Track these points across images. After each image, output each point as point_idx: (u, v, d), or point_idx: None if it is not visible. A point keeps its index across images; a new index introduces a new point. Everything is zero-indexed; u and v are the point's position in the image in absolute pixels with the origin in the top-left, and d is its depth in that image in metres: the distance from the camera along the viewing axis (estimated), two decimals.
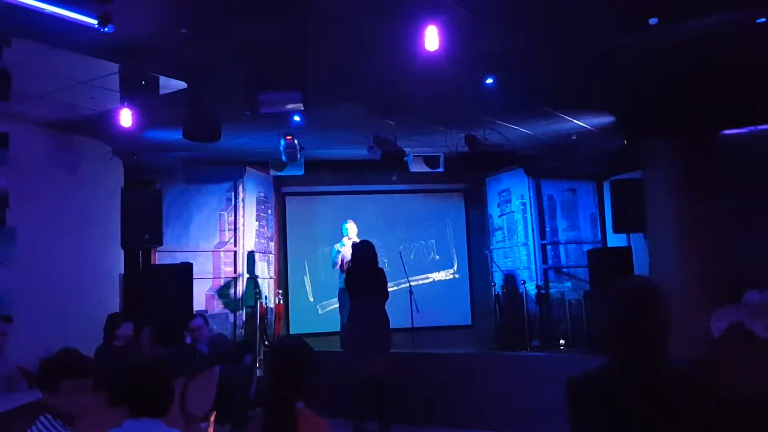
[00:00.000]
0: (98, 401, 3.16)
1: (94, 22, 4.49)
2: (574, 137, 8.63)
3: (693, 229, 7.46)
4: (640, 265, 8.46)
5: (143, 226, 8.18)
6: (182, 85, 6.43)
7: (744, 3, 4.71)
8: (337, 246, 8.98)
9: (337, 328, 9.08)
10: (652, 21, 5.03)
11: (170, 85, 6.50)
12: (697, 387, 1.94)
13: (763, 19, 4.93)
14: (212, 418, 4.70)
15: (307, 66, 6.03)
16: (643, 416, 1.94)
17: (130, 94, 6.41)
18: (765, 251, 6.67)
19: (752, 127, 7.34)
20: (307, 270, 10.76)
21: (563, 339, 9.72)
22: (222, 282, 9.72)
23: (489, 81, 6.25)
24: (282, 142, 7.81)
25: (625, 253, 8.73)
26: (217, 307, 9.63)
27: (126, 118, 6.29)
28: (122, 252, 8.28)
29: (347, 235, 8.97)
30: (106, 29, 4.47)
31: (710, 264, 7.11)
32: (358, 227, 9.12)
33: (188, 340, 6.66)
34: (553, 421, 3.55)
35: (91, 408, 3.05)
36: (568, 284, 10.18)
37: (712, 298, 5.79)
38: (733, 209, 7.09)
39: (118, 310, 7.60)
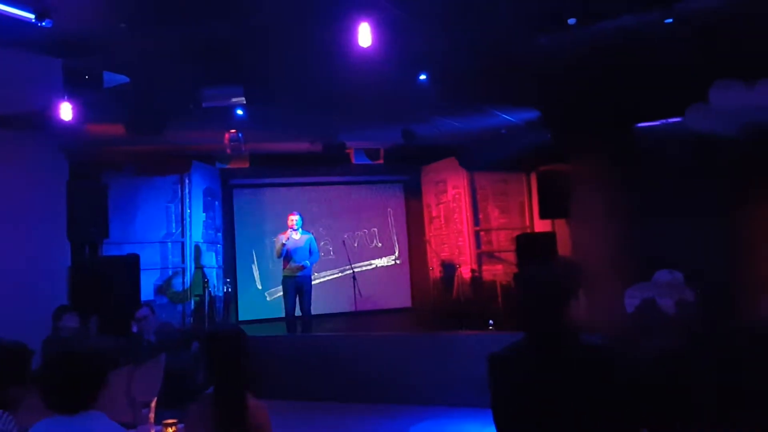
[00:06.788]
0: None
1: (31, 16, 4.32)
2: (504, 131, 8.71)
3: (612, 213, 7.61)
4: (564, 247, 8.61)
5: (89, 219, 7.91)
6: (125, 79, 6.20)
7: (653, 4, 4.80)
8: (284, 238, 8.76)
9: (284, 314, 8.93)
10: (571, 21, 5.08)
11: (114, 79, 6.28)
12: (605, 362, 1.94)
13: (671, 20, 5.04)
14: (153, 404, 4.55)
15: (248, 61, 5.89)
16: (551, 386, 1.94)
17: (73, 89, 6.17)
18: (675, 234, 6.87)
19: (663, 120, 7.54)
20: (255, 259, 10.59)
21: (492, 320, 9.84)
22: (170, 272, 9.47)
23: (422, 77, 6.25)
24: (226, 135, 7.66)
25: (549, 237, 8.88)
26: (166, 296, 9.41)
27: (66, 111, 6.04)
28: (69, 245, 7.97)
29: (289, 226, 8.78)
30: (44, 24, 4.30)
31: (627, 245, 7.27)
32: (304, 218, 8.97)
33: (135, 329, 6.46)
34: (484, 395, 3.56)
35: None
36: (499, 267, 10.30)
37: (626, 276, 5.92)
38: (648, 195, 7.27)
39: (65, 302, 7.33)
